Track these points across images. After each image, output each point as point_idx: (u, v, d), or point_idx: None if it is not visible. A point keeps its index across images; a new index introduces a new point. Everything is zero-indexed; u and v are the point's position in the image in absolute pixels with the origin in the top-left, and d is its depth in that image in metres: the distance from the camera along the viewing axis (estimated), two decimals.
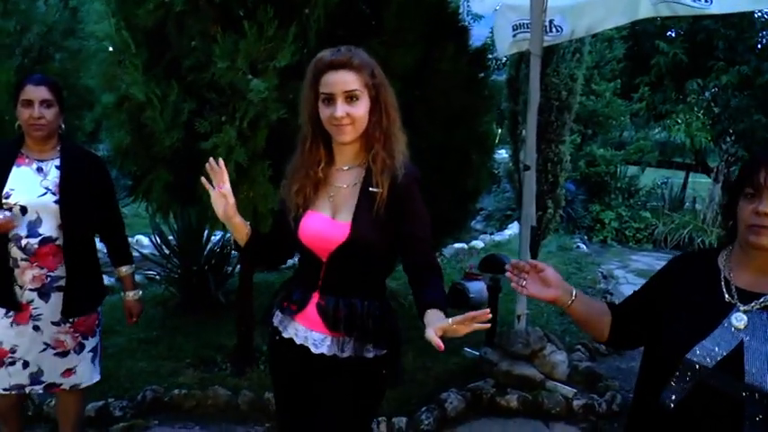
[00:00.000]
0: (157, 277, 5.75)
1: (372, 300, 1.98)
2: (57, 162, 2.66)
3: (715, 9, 4.04)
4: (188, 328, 4.88)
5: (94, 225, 2.81)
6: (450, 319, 1.68)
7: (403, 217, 1.91)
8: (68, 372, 2.76)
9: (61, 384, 2.77)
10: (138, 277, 6.01)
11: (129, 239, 7.86)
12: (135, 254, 6.62)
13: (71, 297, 2.68)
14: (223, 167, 2.01)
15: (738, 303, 1.59)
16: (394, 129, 1.95)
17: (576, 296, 1.77)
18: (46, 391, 2.83)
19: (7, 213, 2.53)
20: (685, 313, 1.64)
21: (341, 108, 1.85)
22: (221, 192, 2.00)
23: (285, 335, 2.05)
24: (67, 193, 2.62)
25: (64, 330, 2.71)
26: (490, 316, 1.65)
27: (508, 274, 1.76)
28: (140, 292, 3.03)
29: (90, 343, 2.81)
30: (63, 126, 2.72)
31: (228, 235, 5.29)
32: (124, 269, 2.96)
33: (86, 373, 2.81)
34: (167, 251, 5.49)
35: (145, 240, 7.11)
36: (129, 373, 4.07)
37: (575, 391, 4.05)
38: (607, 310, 1.84)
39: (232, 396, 3.75)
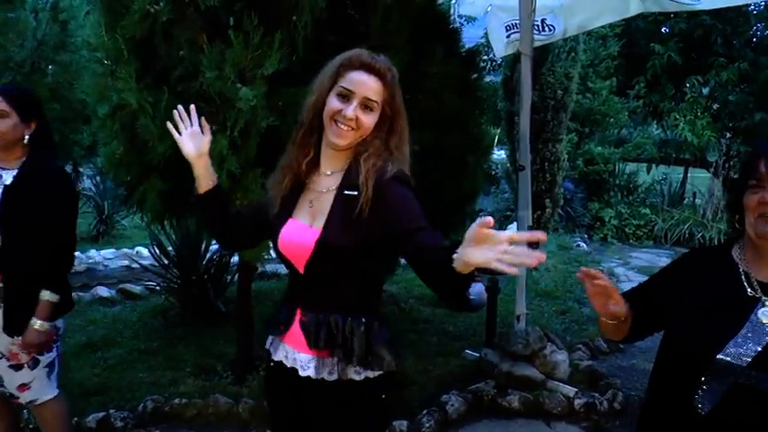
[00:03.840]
0: (157, 288, 5.78)
1: (357, 316, 1.80)
2: (15, 172, 2.62)
3: (705, 5, 4.06)
4: (188, 338, 4.89)
5: (40, 241, 2.59)
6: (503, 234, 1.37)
7: (387, 217, 1.71)
8: (23, 387, 2.69)
9: (18, 398, 2.72)
10: (137, 288, 6.13)
11: (129, 251, 7.87)
12: (135, 265, 6.73)
13: (10, 313, 2.60)
14: (193, 110, 2.01)
15: (763, 297, 1.57)
16: (402, 149, 1.84)
17: (627, 311, 1.70)
18: (9, 399, 2.78)
19: None
20: (708, 311, 1.60)
21: (354, 109, 1.75)
22: (193, 130, 2.01)
23: (275, 358, 1.93)
24: (11, 203, 2.56)
25: (18, 343, 2.62)
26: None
27: (579, 275, 1.64)
28: (48, 326, 2.62)
29: (45, 359, 2.70)
30: (26, 136, 2.64)
31: None
32: (45, 294, 2.62)
33: (42, 388, 2.73)
34: (166, 262, 5.49)
35: (144, 251, 7.14)
36: (129, 384, 4.07)
37: (576, 390, 4.05)
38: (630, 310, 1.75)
39: (233, 404, 3.75)
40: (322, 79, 1.82)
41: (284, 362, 1.90)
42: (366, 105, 1.77)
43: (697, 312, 1.62)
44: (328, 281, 1.81)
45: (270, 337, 1.99)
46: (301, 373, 1.84)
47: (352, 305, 1.82)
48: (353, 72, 1.77)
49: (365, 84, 1.76)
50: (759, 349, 1.50)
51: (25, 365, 2.67)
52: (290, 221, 1.87)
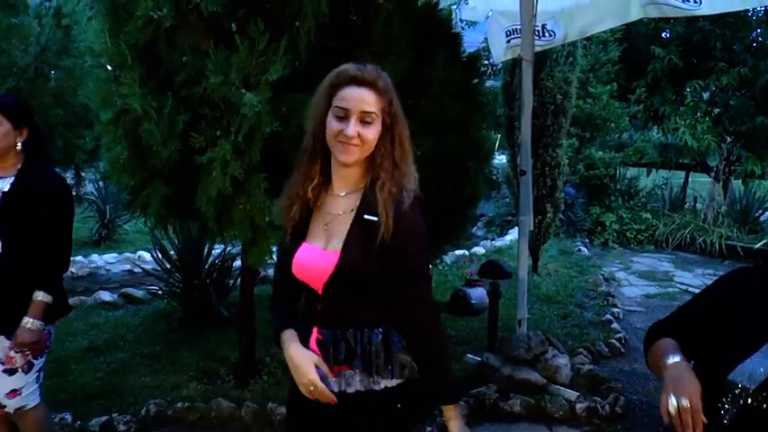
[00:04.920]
0: (160, 292, 5.79)
1: (373, 328, 1.80)
2: (12, 179, 2.65)
3: (705, 10, 4.08)
4: (190, 342, 4.90)
5: (36, 246, 2.64)
6: None
7: (400, 249, 1.75)
8: (14, 393, 2.70)
9: (5, 407, 2.71)
10: (140, 292, 6.15)
11: (131, 255, 7.90)
12: (137, 269, 6.75)
13: (3, 311, 2.62)
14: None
15: None
16: (407, 161, 1.83)
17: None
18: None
19: None
20: (734, 330, 1.62)
21: (353, 127, 1.73)
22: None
23: None
24: (8, 209, 2.60)
25: (13, 346, 2.65)
26: None
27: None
28: (39, 325, 2.65)
29: (39, 363, 2.75)
30: (19, 144, 2.67)
31: (229, 249, 5.35)
32: (39, 294, 2.66)
33: (31, 394, 2.76)
34: (169, 266, 5.51)
35: (146, 256, 7.16)
36: (132, 388, 4.09)
37: (577, 394, 4.06)
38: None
39: (235, 408, 3.76)
40: (316, 104, 1.81)
41: None
42: (364, 119, 1.75)
43: (724, 331, 1.63)
44: (345, 300, 1.81)
45: None
46: None
47: (368, 319, 1.82)
48: (344, 89, 1.76)
49: (358, 98, 1.75)
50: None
51: (20, 369, 2.69)
52: (304, 245, 1.87)
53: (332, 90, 1.78)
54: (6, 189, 2.63)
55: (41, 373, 2.81)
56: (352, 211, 1.81)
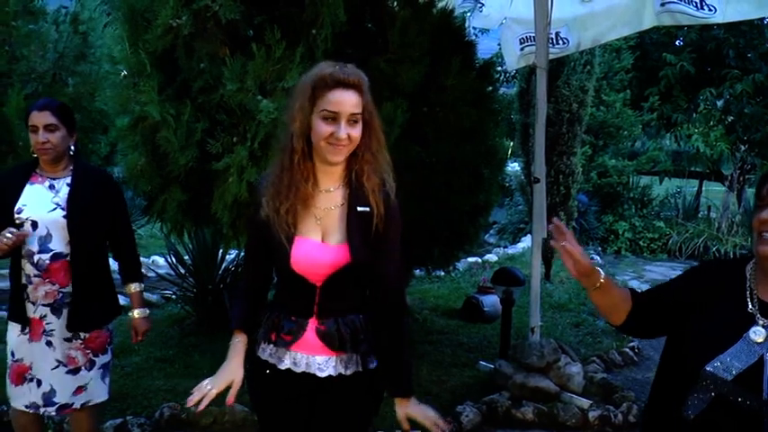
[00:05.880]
0: (173, 297, 5.83)
1: (366, 312, 1.97)
2: (68, 180, 2.72)
3: (719, 18, 4.06)
4: (204, 346, 4.92)
5: (104, 241, 2.84)
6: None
7: (387, 235, 1.90)
8: (80, 389, 2.79)
9: (72, 404, 2.80)
10: (154, 297, 6.18)
11: (145, 260, 7.97)
12: (151, 274, 6.79)
13: (76, 311, 2.70)
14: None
15: (758, 316, 1.59)
16: (383, 151, 1.92)
17: (604, 279, 1.71)
18: (58, 413, 2.86)
19: (13, 230, 2.56)
20: (709, 322, 1.64)
21: (344, 129, 1.79)
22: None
23: (281, 366, 1.96)
24: (75, 209, 2.67)
25: (75, 346, 2.75)
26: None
27: (551, 227, 1.68)
28: (148, 311, 3.01)
29: (101, 360, 2.84)
30: (73, 147, 2.76)
31: (243, 254, 5.38)
32: (133, 286, 2.95)
33: (96, 390, 2.84)
34: (183, 271, 5.54)
35: (160, 261, 7.19)
36: (146, 391, 4.10)
37: (590, 402, 4.04)
38: (629, 296, 1.78)
39: (249, 413, 3.76)
40: (299, 103, 1.84)
41: (292, 369, 1.95)
42: (352, 120, 1.81)
43: (699, 322, 1.65)
44: (344, 289, 1.92)
45: (267, 348, 2.00)
46: (320, 374, 1.93)
47: (362, 305, 1.97)
48: (331, 92, 1.79)
49: (347, 102, 1.79)
50: (742, 367, 1.54)
51: (83, 368, 2.78)
52: (300, 240, 1.89)
53: (317, 92, 1.80)
54: (65, 191, 2.69)
55: (107, 371, 2.90)
56: (342, 204, 1.90)
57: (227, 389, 1.92)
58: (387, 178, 1.91)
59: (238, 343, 1.99)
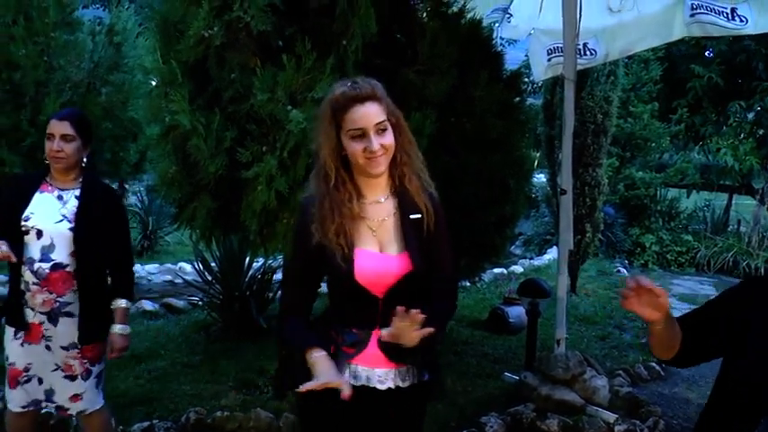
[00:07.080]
0: (200, 303, 5.88)
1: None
2: (77, 192, 2.76)
3: (750, 29, 4.03)
4: (230, 353, 4.97)
5: (106, 256, 2.84)
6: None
7: (439, 232, 1.98)
8: (76, 397, 2.81)
9: (68, 409, 2.83)
10: (181, 303, 6.25)
11: (172, 267, 8.05)
12: (178, 280, 6.87)
13: (86, 324, 2.74)
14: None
15: None
16: (415, 148, 1.97)
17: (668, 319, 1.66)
18: (57, 412, 2.91)
19: (4, 248, 2.58)
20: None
21: (376, 141, 1.83)
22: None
23: None
24: (83, 223, 2.71)
25: (72, 356, 2.77)
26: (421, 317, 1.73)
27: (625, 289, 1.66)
28: (129, 330, 2.90)
29: (96, 369, 2.85)
30: (85, 159, 2.80)
31: (270, 262, 5.43)
32: (122, 302, 2.87)
33: (92, 399, 2.86)
34: (210, 277, 5.60)
35: (188, 267, 7.28)
36: (172, 395, 4.16)
37: (616, 416, 4.00)
38: (679, 330, 1.72)
39: (273, 419, 3.80)
40: (323, 129, 1.89)
41: (352, 383, 1.92)
42: (380, 129, 1.84)
43: (757, 341, 1.59)
44: (409, 299, 1.84)
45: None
46: (380, 387, 1.96)
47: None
48: (350, 111, 1.83)
49: (368, 115, 1.83)
50: None
51: (79, 376, 2.80)
52: (359, 252, 1.92)
53: (336, 114, 1.85)
54: (72, 203, 2.74)
55: (101, 379, 2.92)
56: (395, 214, 1.95)
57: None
58: (423, 176, 1.96)
59: (322, 356, 1.89)
